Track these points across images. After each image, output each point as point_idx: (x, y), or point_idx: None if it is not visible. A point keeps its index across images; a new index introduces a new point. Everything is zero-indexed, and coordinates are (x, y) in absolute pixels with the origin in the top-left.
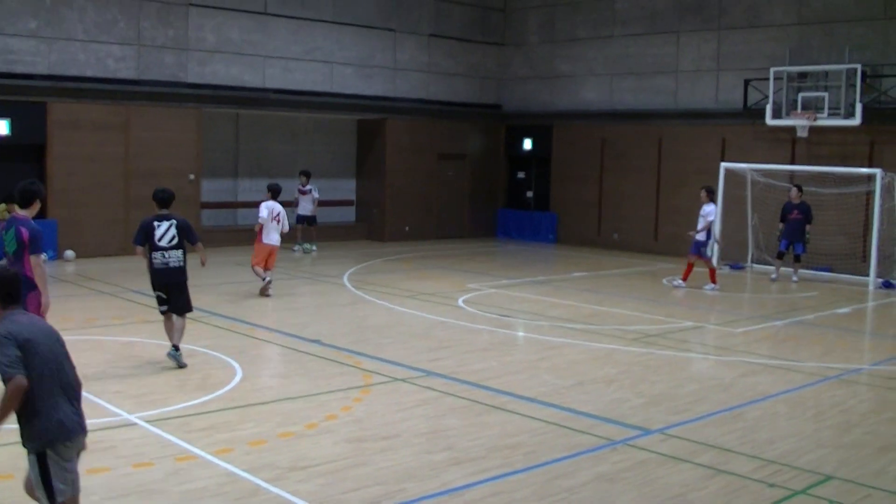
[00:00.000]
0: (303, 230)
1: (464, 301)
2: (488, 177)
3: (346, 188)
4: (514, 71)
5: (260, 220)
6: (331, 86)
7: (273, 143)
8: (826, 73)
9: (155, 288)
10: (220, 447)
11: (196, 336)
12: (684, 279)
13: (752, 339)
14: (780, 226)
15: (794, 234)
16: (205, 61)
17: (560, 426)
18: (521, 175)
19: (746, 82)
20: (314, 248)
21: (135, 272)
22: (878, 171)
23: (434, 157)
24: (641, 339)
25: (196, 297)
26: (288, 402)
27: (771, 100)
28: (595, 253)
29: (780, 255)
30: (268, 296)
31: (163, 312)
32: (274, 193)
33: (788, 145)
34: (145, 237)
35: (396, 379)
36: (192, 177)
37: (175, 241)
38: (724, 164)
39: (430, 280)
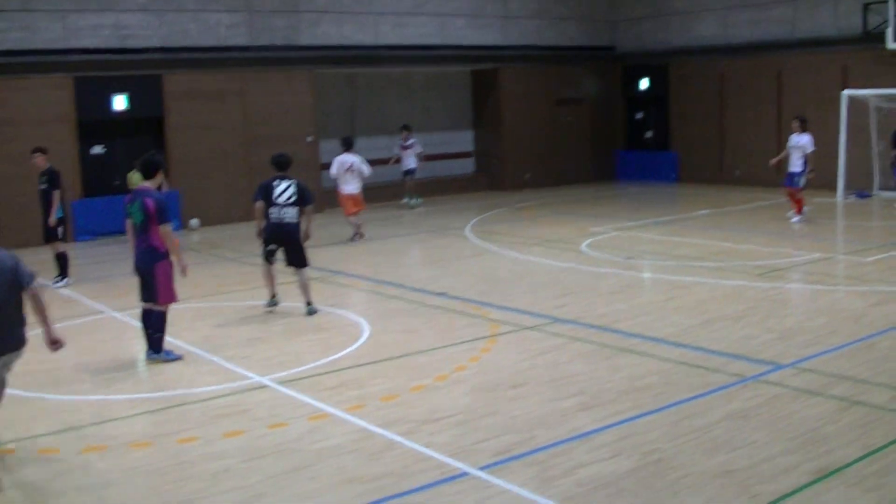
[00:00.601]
0: (408, 184)
1: (587, 246)
2: (606, 120)
3: (464, 140)
4: (627, 11)
5: (332, 175)
6: (443, 38)
7: (388, 100)
8: None
9: (267, 242)
10: (352, 404)
11: (322, 295)
12: (799, 212)
13: (883, 267)
14: (894, 153)
15: None
16: (316, 22)
17: (690, 365)
18: (639, 116)
19: (865, 6)
20: (420, 201)
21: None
22: None
23: (550, 103)
24: (769, 273)
25: (320, 256)
26: (417, 356)
27: (892, 22)
28: (718, 190)
29: None
30: (354, 241)
31: (268, 261)
32: (347, 146)
33: None
34: (265, 195)
35: (523, 327)
36: (310, 139)
37: (292, 200)
38: (846, 92)
39: (553, 226)
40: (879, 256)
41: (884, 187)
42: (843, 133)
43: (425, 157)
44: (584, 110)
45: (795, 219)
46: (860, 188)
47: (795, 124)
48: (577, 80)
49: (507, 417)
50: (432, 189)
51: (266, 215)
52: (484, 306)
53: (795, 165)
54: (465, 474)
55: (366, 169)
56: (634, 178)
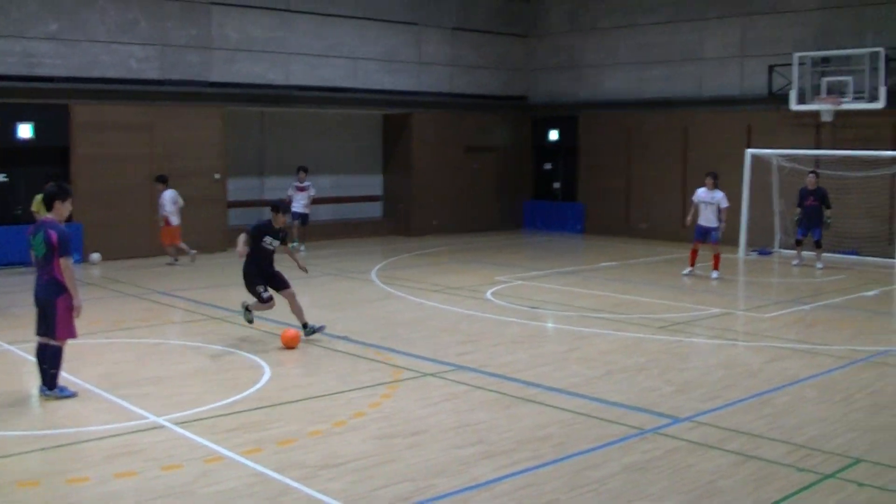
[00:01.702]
0: (297, 229)
1: (492, 294)
2: (515, 169)
3: (373, 183)
4: (540, 62)
5: (168, 210)
6: (355, 81)
7: (299, 140)
8: (849, 58)
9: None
10: (249, 447)
11: (223, 336)
12: (716, 268)
13: (780, 324)
14: (797, 212)
15: (811, 221)
16: (229, 60)
17: (590, 416)
18: (547, 166)
19: (771, 68)
20: (302, 248)
21: (161, 274)
22: None
23: (461, 150)
24: (670, 326)
25: (223, 297)
26: (316, 400)
27: (796, 85)
28: (622, 242)
29: (799, 242)
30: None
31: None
32: (164, 181)
33: (813, 130)
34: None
35: (425, 374)
36: (217, 176)
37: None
38: (749, 151)
39: (459, 274)
40: (777, 313)
41: (784, 245)
42: (745, 190)
43: (331, 200)
44: (494, 159)
45: (714, 275)
46: (762, 245)
47: (709, 180)
48: (488, 129)
49: (406, 465)
50: (339, 232)
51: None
52: (386, 351)
53: (711, 221)
54: None
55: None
56: (541, 228)
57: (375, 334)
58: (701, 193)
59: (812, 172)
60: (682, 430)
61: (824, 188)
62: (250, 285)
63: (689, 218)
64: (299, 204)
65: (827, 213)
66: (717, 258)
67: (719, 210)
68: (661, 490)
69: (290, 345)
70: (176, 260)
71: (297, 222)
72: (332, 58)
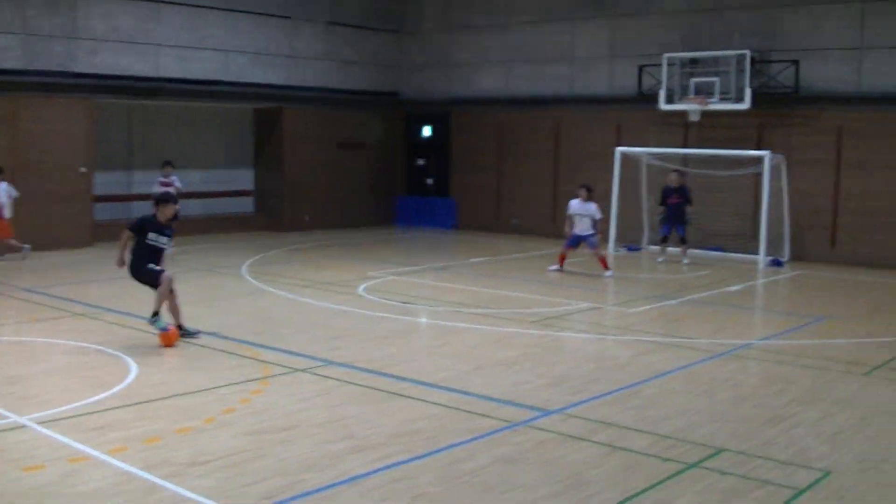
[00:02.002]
0: None
1: (364, 289)
2: (387, 165)
3: (244, 178)
4: (412, 59)
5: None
6: (226, 75)
7: (168, 134)
8: (717, 59)
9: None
10: (114, 446)
11: (87, 333)
12: (606, 267)
13: (647, 318)
14: (661, 209)
15: (675, 218)
16: (95, 50)
17: (461, 410)
18: (420, 162)
19: (640, 68)
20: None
21: (30, 270)
22: (766, 154)
23: (333, 145)
24: (541, 321)
25: (87, 293)
26: (185, 397)
27: (664, 85)
28: (494, 238)
29: (664, 240)
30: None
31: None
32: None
33: (681, 129)
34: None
35: (296, 369)
36: (83, 169)
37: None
38: (619, 149)
39: (331, 269)
40: (645, 308)
41: (653, 242)
42: (615, 188)
43: (201, 195)
44: (367, 154)
45: (608, 273)
46: (631, 241)
47: (583, 192)
48: (360, 125)
49: (276, 460)
50: (209, 227)
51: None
52: (257, 347)
53: (586, 230)
54: None
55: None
56: (414, 224)
57: (246, 330)
58: (575, 205)
59: (675, 170)
60: (552, 422)
61: (687, 186)
62: (139, 273)
63: (566, 230)
64: None
65: (689, 209)
66: (602, 260)
67: (594, 221)
68: (531, 481)
69: (167, 343)
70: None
71: None
72: (202, 50)
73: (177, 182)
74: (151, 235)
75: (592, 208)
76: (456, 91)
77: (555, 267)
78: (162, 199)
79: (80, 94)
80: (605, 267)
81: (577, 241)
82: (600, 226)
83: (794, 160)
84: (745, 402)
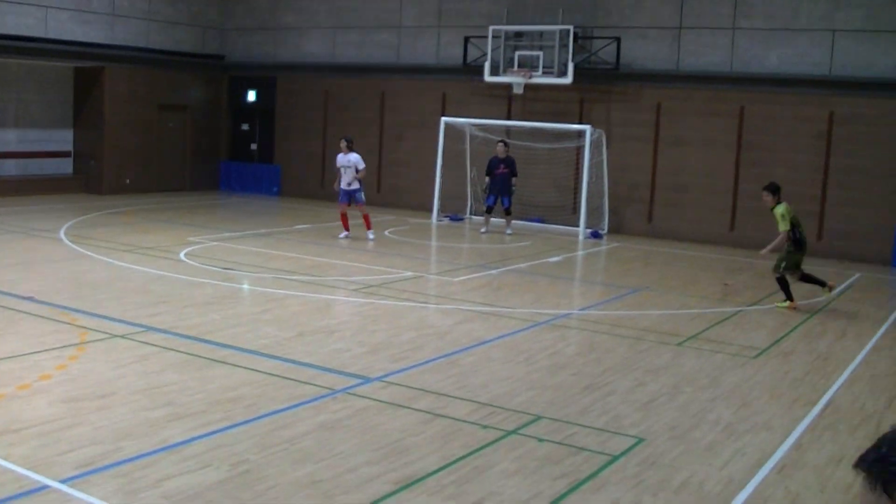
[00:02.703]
0: None
1: (185, 255)
2: (211, 129)
3: (63, 139)
4: (238, 21)
5: None
6: (45, 31)
7: None
8: (541, 34)
9: None
10: None
11: None
12: (368, 227)
13: (468, 287)
14: (486, 180)
15: (501, 189)
16: None
17: (282, 377)
18: (245, 127)
19: (466, 39)
20: None
21: None
22: (587, 128)
23: (155, 107)
24: (362, 289)
25: None
26: None
27: (489, 57)
28: (318, 205)
29: (489, 210)
30: None
31: None
32: None
33: (505, 101)
34: None
35: (114, 335)
36: None
37: None
38: (444, 119)
39: (151, 234)
40: (466, 277)
41: (476, 212)
42: (439, 157)
43: (17, 155)
44: (189, 117)
45: (370, 235)
46: (454, 211)
47: (343, 144)
48: (183, 87)
49: (93, 428)
50: (25, 188)
51: None
52: (73, 312)
53: (353, 183)
54: (45, 487)
55: None
56: (237, 190)
57: (63, 295)
58: (339, 158)
59: (501, 142)
60: (373, 389)
61: (513, 157)
62: None
63: (335, 184)
64: None
65: (514, 181)
66: (366, 218)
67: (356, 171)
68: (351, 448)
69: None
70: None
71: None
72: (20, 4)
73: None
74: None
75: (354, 158)
76: (282, 56)
77: (343, 234)
78: None
79: None
80: (368, 227)
81: (347, 196)
82: (362, 175)
83: (614, 135)
84: (562, 370)
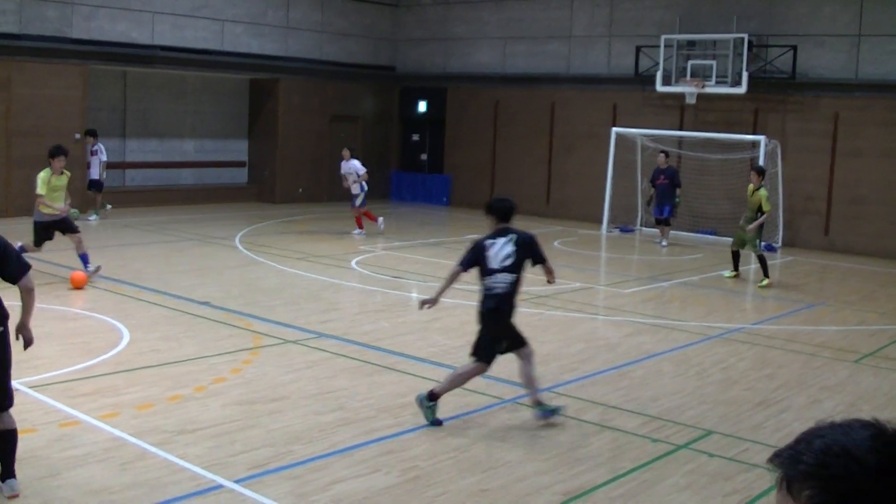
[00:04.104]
0: (93, 196)
1: (356, 263)
2: (382, 139)
3: (238, 149)
4: (408, 32)
5: None
6: (221, 44)
7: (161, 103)
8: (714, 42)
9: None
10: (105, 412)
11: (80, 298)
12: (360, 227)
13: (638, 299)
14: (651, 191)
15: (662, 199)
16: (90, 16)
17: None
18: (415, 137)
19: (637, 49)
20: (93, 216)
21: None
22: (762, 138)
23: (327, 118)
24: (532, 299)
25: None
26: (176, 365)
27: (661, 67)
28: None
29: (659, 221)
30: None
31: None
32: None
33: (677, 112)
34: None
35: (287, 341)
36: (77, 136)
37: (511, 264)
38: (615, 129)
39: (323, 242)
40: (636, 289)
41: (647, 223)
42: (610, 168)
43: (194, 164)
44: (360, 128)
45: (356, 232)
46: (624, 223)
47: (345, 152)
48: (355, 98)
49: (266, 431)
50: (202, 197)
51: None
52: (248, 318)
53: (355, 189)
54: (219, 487)
55: None
56: (407, 199)
57: (238, 300)
58: (342, 165)
59: (662, 152)
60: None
61: (674, 167)
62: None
63: (345, 185)
64: (94, 170)
65: (677, 192)
66: (358, 219)
67: (357, 176)
68: (519, 458)
69: (78, 285)
70: None
71: (93, 190)
72: (197, 18)
73: (102, 153)
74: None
75: (354, 165)
76: (452, 66)
77: (357, 231)
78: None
79: (75, 60)
80: (359, 226)
81: (354, 200)
82: (364, 179)
83: (789, 146)
84: (734, 385)
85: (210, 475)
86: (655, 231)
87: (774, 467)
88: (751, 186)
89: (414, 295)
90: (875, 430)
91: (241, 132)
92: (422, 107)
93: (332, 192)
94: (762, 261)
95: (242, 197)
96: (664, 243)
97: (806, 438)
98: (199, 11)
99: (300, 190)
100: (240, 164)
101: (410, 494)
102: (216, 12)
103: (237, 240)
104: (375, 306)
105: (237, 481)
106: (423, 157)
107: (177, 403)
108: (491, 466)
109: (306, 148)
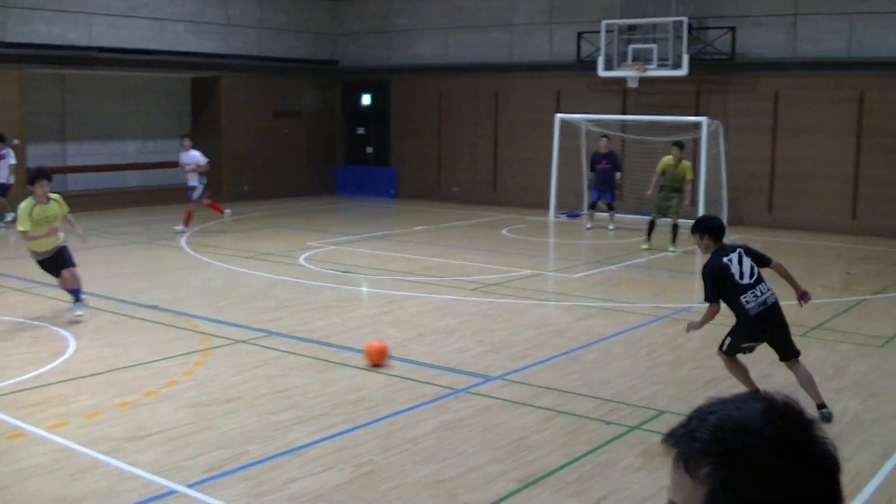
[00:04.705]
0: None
1: (304, 259)
2: (326, 133)
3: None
4: (349, 26)
5: None
6: (161, 43)
7: (102, 105)
8: (654, 26)
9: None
10: (53, 422)
11: (25, 307)
12: (186, 224)
13: (587, 283)
14: (591, 175)
15: (604, 184)
16: (26, 19)
17: (403, 378)
18: (360, 131)
19: (579, 35)
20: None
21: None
22: (703, 119)
23: (270, 114)
24: (481, 288)
25: (20, 267)
26: (125, 371)
27: (603, 52)
28: (435, 206)
29: (593, 205)
30: None
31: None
32: None
33: (620, 96)
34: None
35: (237, 341)
36: (16, 141)
37: (757, 273)
38: (559, 116)
39: (270, 239)
40: (585, 273)
41: (594, 208)
42: (555, 154)
43: (139, 166)
44: (305, 123)
45: (178, 227)
46: (571, 208)
47: (187, 142)
48: (298, 93)
49: (219, 433)
50: (147, 198)
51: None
52: (197, 319)
53: (193, 180)
54: (172, 492)
55: None
56: (354, 193)
57: (186, 302)
58: (181, 156)
59: (603, 136)
60: (494, 388)
61: (616, 152)
62: None
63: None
64: (2, 174)
65: (618, 175)
66: (188, 215)
67: (197, 166)
68: (473, 447)
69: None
70: None
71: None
72: (136, 18)
73: (10, 156)
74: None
75: (193, 156)
76: (394, 58)
77: (180, 227)
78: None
79: (12, 65)
80: (185, 223)
81: (191, 192)
82: (205, 169)
83: (731, 126)
84: (684, 365)
85: (163, 481)
86: (605, 216)
87: (669, 447)
88: (668, 159)
89: (364, 289)
90: (766, 402)
91: (184, 132)
92: (366, 100)
93: (277, 188)
94: (675, 228)
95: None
96: (612, 227)
97: (698, 416)
98: (137, 11)
99: (245, 188)
100: None
101: (366, 489)
102: (154, 11)
103: (183, 241)
104: (325, 302)
105: (191, 485)
106: (369, 150)
107: (127, 410)
108: (445, 457)
109: (250, 145)
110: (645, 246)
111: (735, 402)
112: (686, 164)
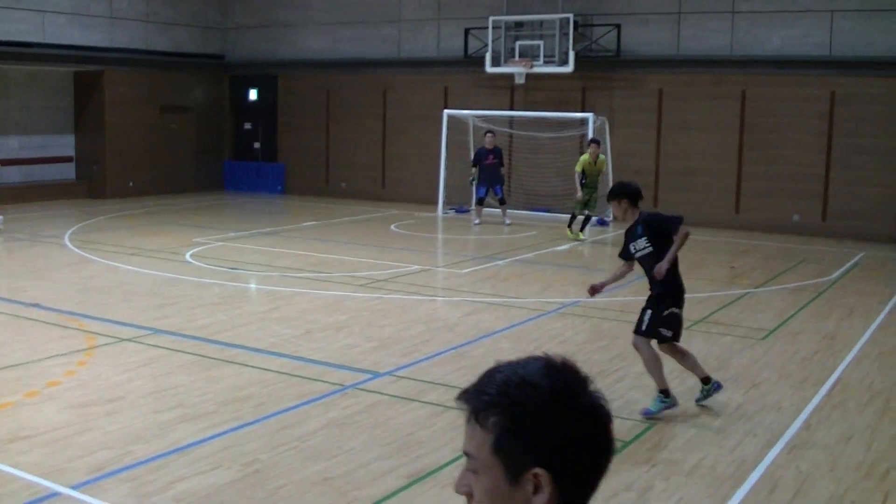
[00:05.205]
0: None
1: (191, 256)
2: (213, 129)
3: (65, 144)
4: (236, 20)
5: None
6: (43, 36)
7: None
8: (541, 23)
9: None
10: None
11: None
12: None
13: (475, 279)
14: (474, 171)
15: (491, 179)
16: None
17: (291, 375)
18: (247, 126)
19: (466, 31)
20: None
21: None
22: (590, 115)
23: (156, 109)
24: (370, 284)
25: None
26: (5, 371)
27: (490, 48)
28: (324, 202)
29: (480, 201)
30: None
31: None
32: None
33: (507, 92)
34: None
35: (122, 339)
36: None
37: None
38: (446, 111)
39: (156, 236)
40: (473, 269)
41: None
42: (443, 150)
43: (19, 162)
44: (191, 118)
45: None
46: (459, 203)
47: None
48: (184, 88)
49: (103, 433)
50: (29, 195)
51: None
52: (81, 318)
53: None
54: (56, 494)
55: None
56: (242, 189)
57: (70, 300)
58: None
59: (489, 132)
60: (382, 384)
61: (500, 147)
62: None
63: None
64: None
65: (503, 170)
66: None
67: None
68: (361, 444)
69: None
70: None
71: None
72: (16, 10)
73: None
74: None
75: None
76: (282, 53)
77: None
78: None
79: None
80: None
81: None
82: None
83: (617, 122)
84: (571, 358)
85: (46, 483)
86: (494, 212)
87: (462, 404)
88: (585, 157)
89: (252, 286)
90: (546, 361)
91: (67, 126)
92: (253, 95)
93: (163, 184)
94: (589, 219)
95: (72, 193)
96: (507, 221)
97: (487, 375)
98: (18, 3)
99: (130, 184)
100: (67, 160)
101: (253, 488)
102: (36, 3)
103: (67, 238)
104: (212, 299)
105: (74, 487)
106: (257, 145)
107: (8, 410)
108: (333, 454)
109: (136, 140)
110: (582, 237)
111: (520, 363)
112: (602, 158)
